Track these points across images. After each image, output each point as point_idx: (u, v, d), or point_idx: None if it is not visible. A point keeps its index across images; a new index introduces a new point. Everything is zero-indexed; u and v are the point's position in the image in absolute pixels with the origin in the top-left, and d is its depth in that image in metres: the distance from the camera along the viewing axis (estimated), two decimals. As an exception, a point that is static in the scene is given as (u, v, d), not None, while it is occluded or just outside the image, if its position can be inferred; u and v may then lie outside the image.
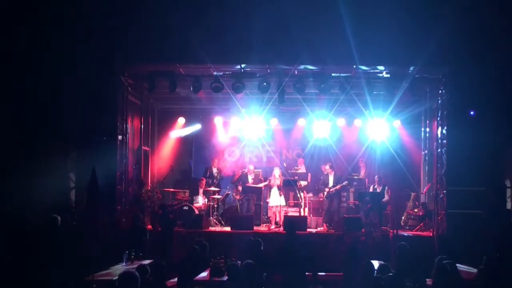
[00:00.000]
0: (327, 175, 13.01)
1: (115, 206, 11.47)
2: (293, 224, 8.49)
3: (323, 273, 10.50)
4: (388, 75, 11.92)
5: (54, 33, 10.69)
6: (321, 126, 14.51)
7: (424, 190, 13.72)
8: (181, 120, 14.93)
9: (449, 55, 11.01)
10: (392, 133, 13.86)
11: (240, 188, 13.24)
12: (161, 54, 11.24)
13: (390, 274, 6.11)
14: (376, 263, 7.09)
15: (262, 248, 8.38)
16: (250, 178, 13.37)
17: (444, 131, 11.71)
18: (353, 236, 10.79)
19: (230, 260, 7.68)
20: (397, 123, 14.03)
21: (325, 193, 12.88)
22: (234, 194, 13.71)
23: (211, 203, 13.04)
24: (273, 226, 12.60)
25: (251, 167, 13.71)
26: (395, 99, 12.17)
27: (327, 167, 13.08)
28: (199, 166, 14.99)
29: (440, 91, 11.96)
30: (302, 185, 13.27)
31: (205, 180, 13.57)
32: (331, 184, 12.85)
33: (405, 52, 10.61)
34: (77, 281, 7.69)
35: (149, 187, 13.93)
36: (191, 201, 13.29)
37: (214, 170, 13.79)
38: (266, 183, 13.19)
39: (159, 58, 11.43)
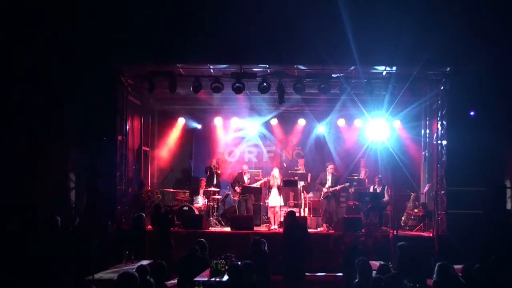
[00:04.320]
0: (326, 174, 12.96)
1: (115, 206, 11.47)
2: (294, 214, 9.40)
3: (323, 274, 10.57)
4: (388, 75, 11.91)
5: (54, 33, 10.70)
6: (322, 126, 14.56)
7: (424, 190, 13.72)
8: (181, 120, 14.93)
9: (449, 55, 11.01)
10: (392, 133, 13.84)
11: (237, 189, 13.24)
12: (161, 54, 11.24)
13: (390, 274, 6.11)
14: (376, 263, 7.09)
15: (265, 247, 8.41)
16: (246, 178, 13.39)
17: (444, 131, 11.71)
18: (353, 236, 10.78)
19: (230, 260, 7.69)
20: (397, 123, 14.02)
21: (323, 193, 12.81)
22: (232, 195, 13.71)
23: (211, 203, 13.04)
24: (273, 226, 12.59)
25: (245, 167, 13.73)
26: (395, 99, 12.16)
27: (329, 167, 13.05)
28: (199, 166, 14.99)
29: (440, 91, 11.96)
30: (301, 186, 13.26)
31: (205, 180, 13.57)
32: (329, 184, 12.79)
33: (405, 52, 10.60)
34: (77, 281, 7.69)
35: (149, 187, 13.93)
36: (191, 201, 13.29)
37: (214, 170, 13.77)
38: (264, 180, 13.20)
39: (159, 58, 11.43)
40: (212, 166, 13.83)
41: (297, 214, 12.65)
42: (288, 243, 8.96)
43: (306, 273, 9.19)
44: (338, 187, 12.73)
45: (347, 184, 12.90)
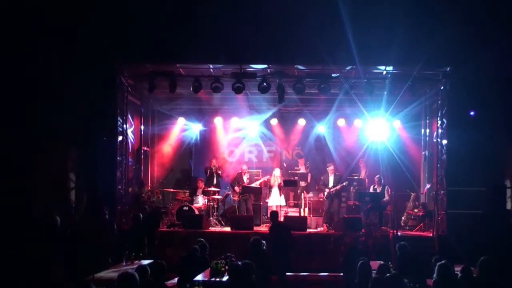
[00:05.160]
0: (328, 175, 13.00)
1: (115, 206, 11.46)
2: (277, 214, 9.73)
3: (324, 274, 10.58)
4: (388, 75, 11.91)
5: (54, 33, 10.70)
6: (322, 126, 14.57)
7: (424, 190, 13.71)
8: (181, 120, 14.92)
9: (449, 55, 11.01)
10: (392, 133, 13.85)
11: (237, 188, 13.24)
12: (161, 54, 11.24)
13: (390, 274, 6.11)
14: (376, 263, 7.09)
15: (264, 247, 8.42)
16: (245, 178, 13.39)
17: (444, 131, 11.71)
18: (353, 236, 10.79)
19: (230, 260, 7.69)
20: (397, 123, 14.02)
21: (325, 193, 12.88)
22: (231, 195, 13.71)
23: (211, 203, 13.04)
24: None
25: (245, 167, 13.72)
26: (395, 99, 12.17)
27: (329, 167, 13.06)
28: (199, 166, 14.99)
29: (440, 91, 11.96)
30: (301, 185, 13.25)
31: (202, 180, 13.56)
32: (331, 184, 12.85)
33: (405, 52, 10.60)
34: (77, 281, 7.69)
35: (149, 187, 13.93)
36: (191, 201, 13.28)
37: (214, 171, 13.76)
38: (264, 179, 13.20)
39: (159, 58, 11.44)
40: (212, 166, 13.81)
41: (297, 214, 12.76)
42: (272, 243, 9.07)
43: (308, 273, 9.21)
44: (338, 186, 12.77)
45: (346, 182, 12.92)
